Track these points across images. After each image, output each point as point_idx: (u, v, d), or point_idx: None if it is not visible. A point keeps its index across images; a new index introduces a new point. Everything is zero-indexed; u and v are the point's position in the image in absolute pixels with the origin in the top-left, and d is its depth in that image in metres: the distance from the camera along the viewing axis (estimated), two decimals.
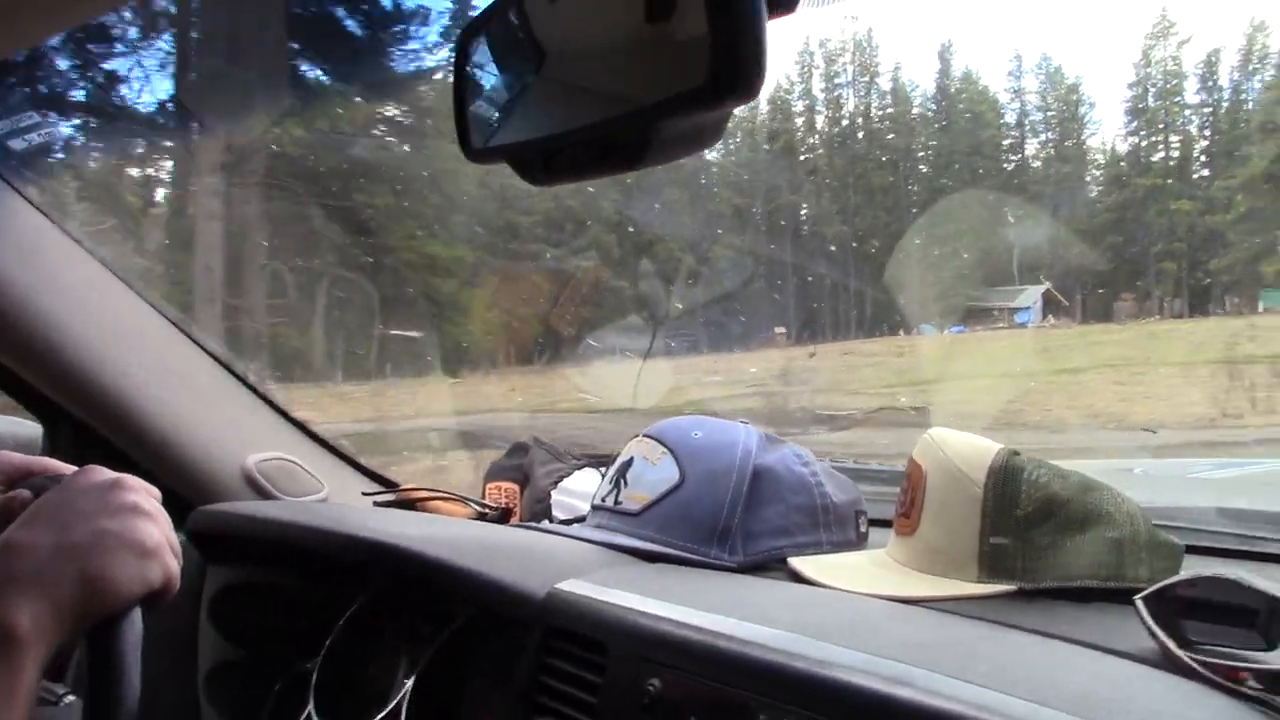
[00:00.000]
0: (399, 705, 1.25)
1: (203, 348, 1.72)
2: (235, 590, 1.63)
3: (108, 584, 0.87)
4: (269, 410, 1.81)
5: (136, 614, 0.90)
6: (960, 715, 0.74)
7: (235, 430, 1.73)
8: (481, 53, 0.82)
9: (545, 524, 1.56)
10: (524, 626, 1.15)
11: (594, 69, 0.74)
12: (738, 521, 1.28)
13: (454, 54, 0.83)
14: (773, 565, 1.28)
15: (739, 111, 0.64)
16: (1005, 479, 1.08)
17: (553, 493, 1.67)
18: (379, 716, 1.25)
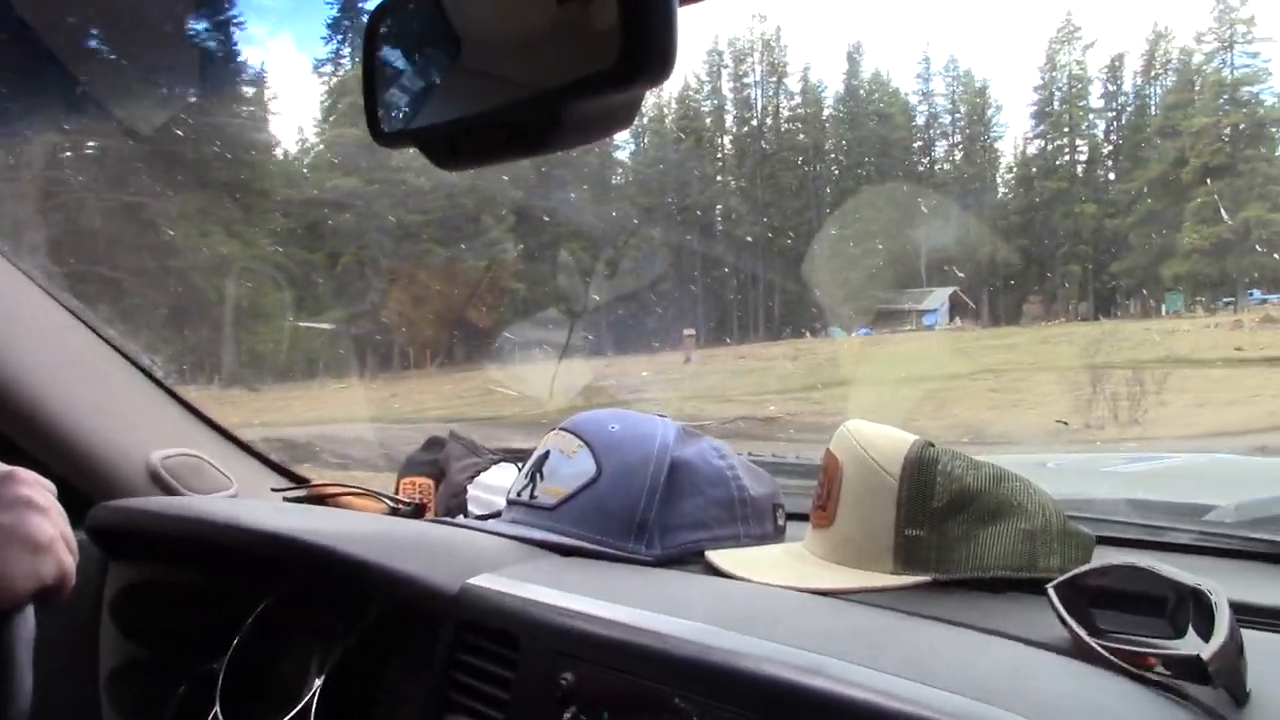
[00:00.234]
0: (309, 704, 1.23)
1: (106, 340, 1.67)
2: (139, 588, 1.58)
3: None
4: (175, 405, 1.76)
5: (29, 611, 0.88)
6: (872, 703, 0.74)
7: (140, 425, 1.69)
8: (391, 34, 0.80)
9: (460, 519, 1.54)
10: (436, 622, 1.14)
11: (505, 51, 0.72)
12: (655, 515, 1.27)
13: (364, 35, 0.81)
14: (690, 559, 1.27)
15: (647, 110, 0.63)
16: (919, 471, 1.08)
17: (469, 487, 1.65)
18: (288, 716, 1.23)
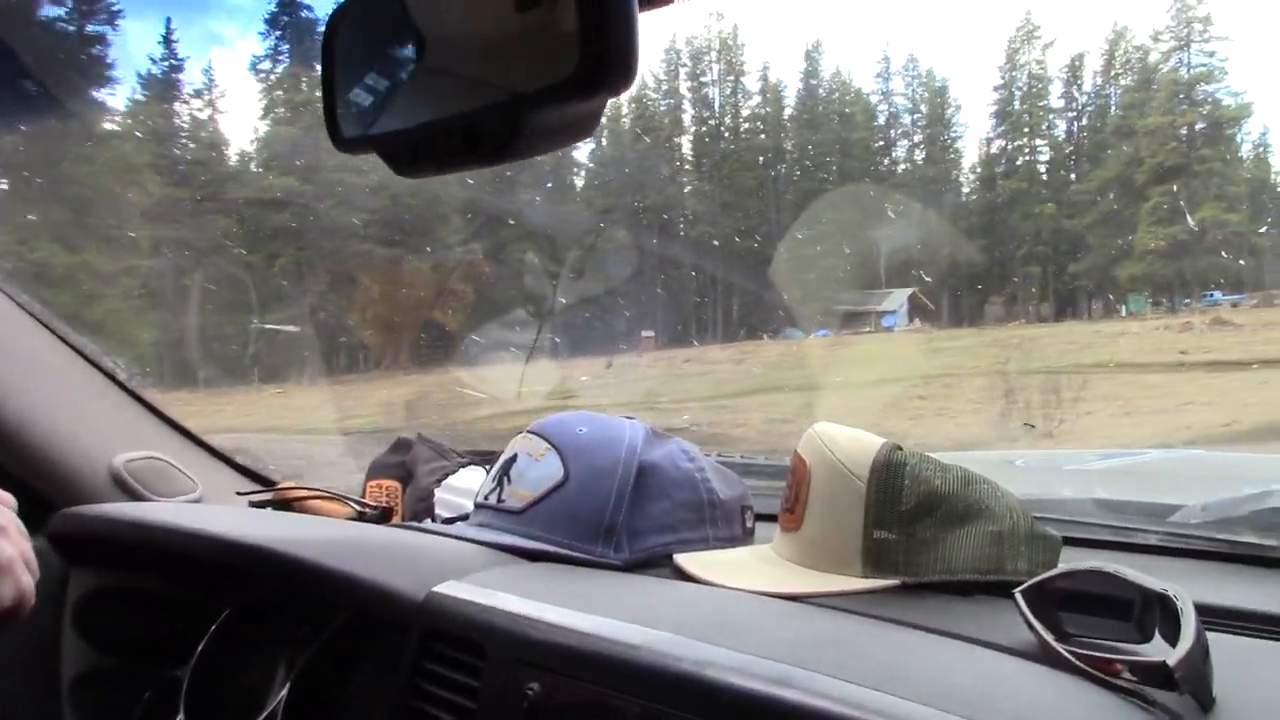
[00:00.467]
0: (274, 712, 1.22)
1: (65, 341, 1.64)
2: (102, 595, 1.56)
3: None
4: (139, 407, 1.74)
5: None
6: (840, 715, 0.74)
7: (102, 428, 1.66)
8: (349, 36, 0.79)
9: (427, 523, 1.53)
10: (402, 630, 1.12)
11: (464, 58, 0.71)
12: (623, 519, 1.27)
13: (323, 34, 0.80)
14: (659, 562, 1.27)
15: (605, 109, 0.63)
16: (888, 474, 1.08)
17: (437, 491, 1.64)
18: None
